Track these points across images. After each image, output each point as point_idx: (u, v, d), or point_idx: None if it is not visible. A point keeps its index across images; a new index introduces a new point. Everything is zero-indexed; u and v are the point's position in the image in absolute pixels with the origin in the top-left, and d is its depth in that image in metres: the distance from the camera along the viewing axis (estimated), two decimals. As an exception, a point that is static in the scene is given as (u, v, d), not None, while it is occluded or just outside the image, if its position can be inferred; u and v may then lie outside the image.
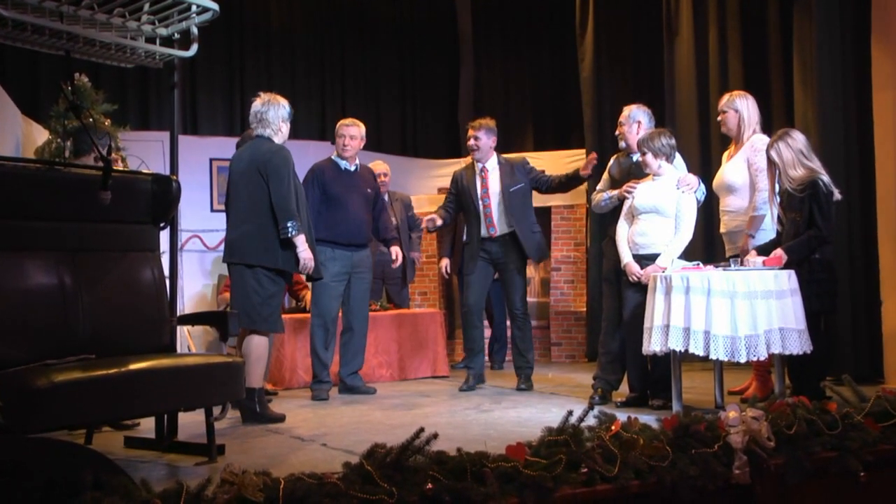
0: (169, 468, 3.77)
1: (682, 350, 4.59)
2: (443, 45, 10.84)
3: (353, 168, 6.26)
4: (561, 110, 9.98)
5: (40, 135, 6.61)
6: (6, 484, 2.47)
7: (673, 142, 5.23)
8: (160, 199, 4.05)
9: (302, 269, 5.10)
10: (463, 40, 10.78)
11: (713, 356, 4.51)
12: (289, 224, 4.95)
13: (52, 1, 3.65)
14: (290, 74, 9.80)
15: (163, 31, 4.16)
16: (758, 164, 5.20)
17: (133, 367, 3.37)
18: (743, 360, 4.49)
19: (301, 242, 5.02)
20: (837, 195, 4.88)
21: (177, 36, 4.20)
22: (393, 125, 10.54)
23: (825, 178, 4.84)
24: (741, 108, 5.45)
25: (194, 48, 4.25)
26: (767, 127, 5.56)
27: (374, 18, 10.38)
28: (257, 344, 5.04)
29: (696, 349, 4.53)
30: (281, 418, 4.98)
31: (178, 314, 4.47)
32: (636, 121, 5.62)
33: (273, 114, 5.12)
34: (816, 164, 4.89)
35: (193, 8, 4.07)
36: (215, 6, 4.09)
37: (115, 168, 3.85)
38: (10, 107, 6.35)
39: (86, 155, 5.07)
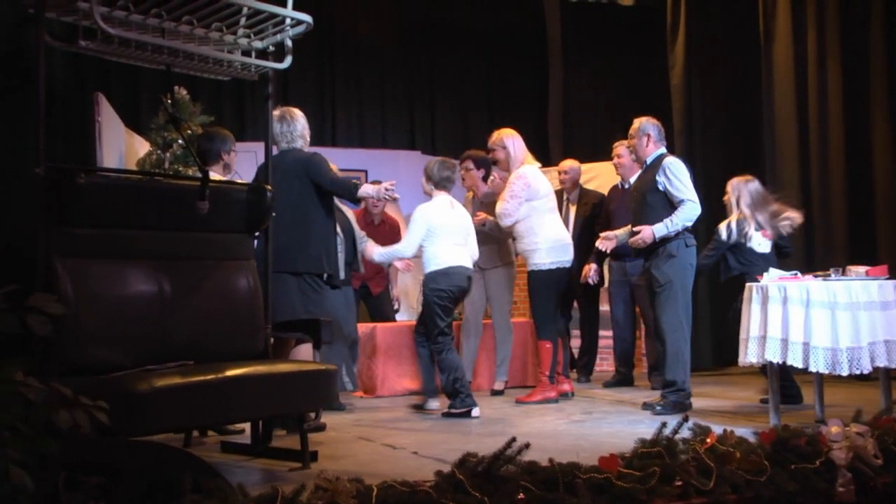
0: (264, 473, 3.84)
1: (780, 362, 4.48)
2: (531, 54, 10.80)
3: None
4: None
5: (142, 146, 6.84)
6: (110, 485, 2.55)
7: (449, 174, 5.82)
8: (255, 208, 4.12)
9: (378, 194, 5.13)
10: (552, 48, 10.72)
11: (812, 368, 4.39)
12: (350, 186, 5.10)
13: (155, 18, 3.75)
14: (378, 85, 9.92)
15: (258, 44, 4.23)
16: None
17: (230, 373, 3.44)
18: (845, 373, 4.36)
19: (367, 187, 5.16)
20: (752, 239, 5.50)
21: (271, 48, 4.26)
22: (481, 134, 10.53)
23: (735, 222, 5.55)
24: (508, 145, 6.17)
25: (288, 60, 4.31)
26: (864, 137, 5.36)
27: (461, 28, 10.42)
28: (305, 353, 4.98)
29: (795, 361, 4.42)
30: (322, 427, 4.89)
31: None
32: (645, 133, 5.54)
33: (301, 126, 5.20)
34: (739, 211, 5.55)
35: (288, 21, 4.12)
36: (309, 18, 4.14)
37: (211, 179, 3.93)
38: (115, 120, 6.59)
39: (214, 163, 5.20)
